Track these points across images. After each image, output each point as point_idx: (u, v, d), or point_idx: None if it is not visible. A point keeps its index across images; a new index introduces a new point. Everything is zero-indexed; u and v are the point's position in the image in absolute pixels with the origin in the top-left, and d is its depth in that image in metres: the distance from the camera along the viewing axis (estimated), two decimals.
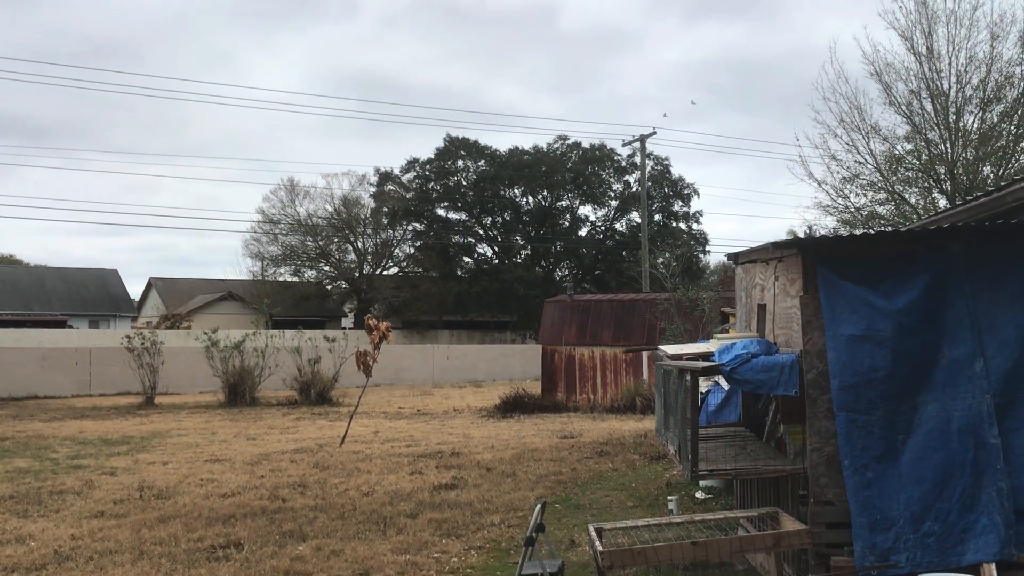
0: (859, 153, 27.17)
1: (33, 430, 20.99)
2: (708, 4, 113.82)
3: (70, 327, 55.16)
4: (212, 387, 29.93)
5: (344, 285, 62.06)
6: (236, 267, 78.53)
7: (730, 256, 10.55)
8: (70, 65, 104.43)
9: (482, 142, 60.97)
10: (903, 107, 26.45)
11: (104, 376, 32.61)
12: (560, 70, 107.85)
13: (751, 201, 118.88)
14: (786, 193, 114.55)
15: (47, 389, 31.62)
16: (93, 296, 63.48)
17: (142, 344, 28.47)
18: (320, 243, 59.82)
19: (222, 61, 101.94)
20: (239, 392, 27.68)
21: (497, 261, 61.54)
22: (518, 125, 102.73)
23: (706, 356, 8.35)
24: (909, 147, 27.16)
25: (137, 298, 69.98)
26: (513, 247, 61.81)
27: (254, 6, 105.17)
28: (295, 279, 61.48)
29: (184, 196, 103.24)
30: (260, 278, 60.37)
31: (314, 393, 28.01)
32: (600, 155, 60.56)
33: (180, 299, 63.74)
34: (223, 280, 63.90)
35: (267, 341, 28.80)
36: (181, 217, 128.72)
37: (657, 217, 59.39)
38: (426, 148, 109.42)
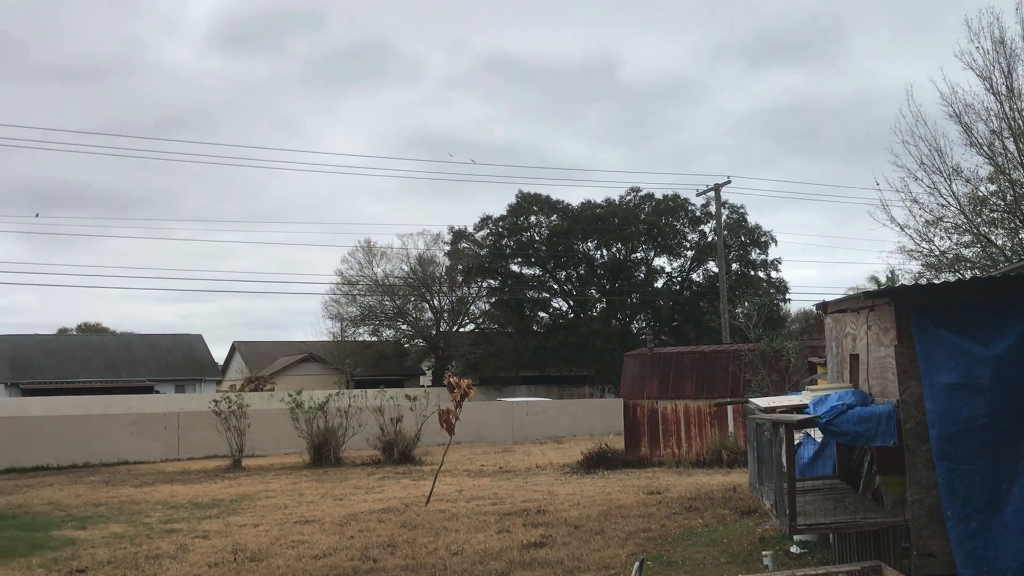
0: (941, 196, 26.70)
1: (126, 495, 21.43)
2: (770, 51, 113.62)
3: (157, 392, 56.51)
4: (296, 448, 30.28)
5: (421, 343, 62.56)
6: (316, 328, 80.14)
7: (819, 306, 10.46)
8: (145, 137, 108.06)
9: (553, 197, 61.44)
10: (984, 148, 25.96)
11: (191, 440, 33.17)
12: (624, 122, 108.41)
13: (828, 247, 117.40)
14: (864, 238, 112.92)
15: (136, 454, 32.25)
16: (179, 361, 64.87)
17: (229, 408, 28.94)
18: (397, 302, 60.51)
19: (290, 128, 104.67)
20: (324, 452, 27.94)
21: (573, 315, 61.56)
22: (586, 179, 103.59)
23: (799, 408, 8.26)
24: (993, 188, 26.61)
25: (221, 362, 71.38)
26: (588, 301, 61.78)
27: (318, 74, 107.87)
28: (373, 339, 62.13)
29: (260, 260, 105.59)
30: (340, 339, 61.16)
31: (397, 452, 28.13)
32: (673, 205, 60.48)
33: (263, 362, 64.86)
34: (304, 342, 64.91)
35: (350, 401, 29.08)
36: (259, 281, 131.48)
37: (735, 266, 58.90)
38: (496, 205, 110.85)
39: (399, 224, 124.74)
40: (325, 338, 62.15)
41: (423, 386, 54.86)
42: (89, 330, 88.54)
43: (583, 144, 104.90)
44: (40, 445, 31.12)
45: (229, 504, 18.98)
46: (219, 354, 72.11)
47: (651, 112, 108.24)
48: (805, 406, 8.29)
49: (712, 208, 52.12)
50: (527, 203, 60.91)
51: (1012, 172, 25.86)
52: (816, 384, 11.86)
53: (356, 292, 60.97)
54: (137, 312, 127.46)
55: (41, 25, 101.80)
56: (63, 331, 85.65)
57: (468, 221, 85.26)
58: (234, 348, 71.30)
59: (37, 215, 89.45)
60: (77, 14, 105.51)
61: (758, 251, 60.76)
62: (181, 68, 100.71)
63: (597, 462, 23.56)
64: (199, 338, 68.90)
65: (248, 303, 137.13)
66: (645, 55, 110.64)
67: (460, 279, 60.63)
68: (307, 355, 62.21)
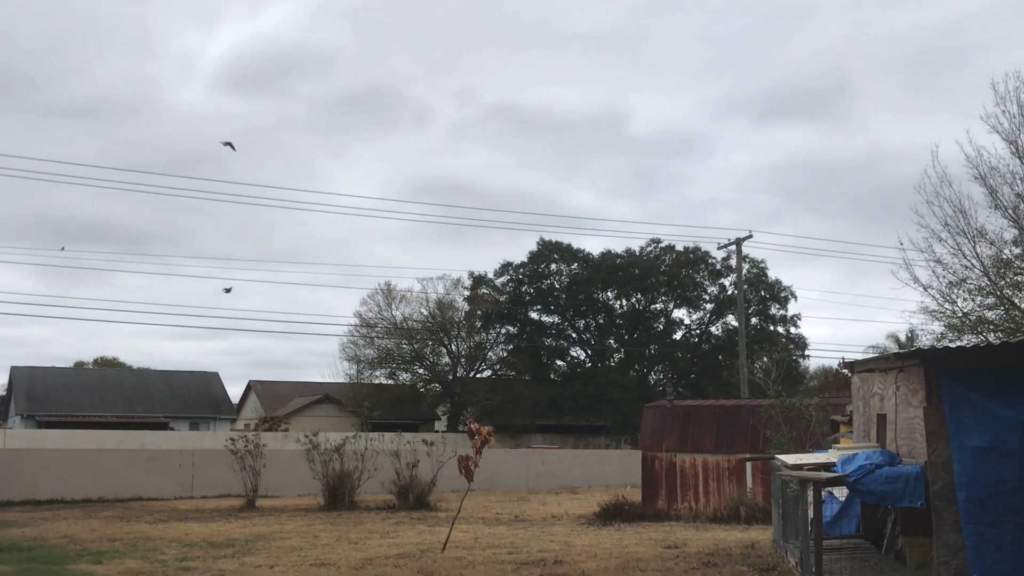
0: (965, 257, 26.64)
1: (140, 531, 21.38)
2: (776, 108, 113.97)
3: (172, 429, 56.57)
4: (311, 490, 30.17)
5: (438, 388, 62.52)
6: (332, 370, 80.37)
7: (845, 364, 10.47)
8: (160, 174, 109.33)
9: (573, 246, 61.64)
10: (1009, 211, 25.96)
11: (206, 478, 33.17)
12: (634, 175, 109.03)
13: (841, 304, 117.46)
14: (879, 296, 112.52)
15: (151, 490, 32.26)
16: (195, 399, 65.03)
17: (245, 447, 28.93)
18: (415, 346, 60.58)
19: (302, 169, 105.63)
20: (338, 495, 27.83)
21: (590, 364, 61.43)
22: (598, 229, 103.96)
23: (827, 467, 8.25)
24: (1017, 251, 26.55)
25: (236, 400, 71.47)
26: (606, 350, 61.68)
27: (328, 117, 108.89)
28: (390, 382, 62.16)
29: (275, 300, 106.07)
30: (356, 381, 61.20)
31: (412, 497, 28.01)
32: (694, 258, 60.55)
33: (278, 402, 64.91)
34: (320, 383, 64.98)
35: (366, 444, 29.01)
36: (274, 320, 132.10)
37: (754, 321, 58.78)
38: (510, 252, 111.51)
39: (415, 268, 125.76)
40: (341, 380, 62.26)
41: (438, 431, 54.76)
42: (106, 364, 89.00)
43: (594, 194, 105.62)
44: (55, 478, 31.18)
45: (244, 544, 18.92)
46: (234, 392, 72.29)
47: (660, 165, 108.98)
48: (833, 464, 8.28)
49: (732, 262, 52.16)
50: (548, 250, 61.12)
51: None
52: (839, 443, 11.83)
53: (374, 335, 61.11)
54: (152, 348, 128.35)
55: (55, 65, 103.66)
56: (80, 365, 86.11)
57: (482, 266, 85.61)
58: (250, 387, 71.43)
59: (63, 248, 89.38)
60: (92, 56, 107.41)
61: (777, 306, 60.69)
62: (194, 108, 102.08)
63: (614, 514, 23.39)
64: (215, 376, 69.11)
65: (262, 342, 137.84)
66: (653, 109, 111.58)
67: (479, 325, 60.69)
68: (323, 396, 62.26)
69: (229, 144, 41.07)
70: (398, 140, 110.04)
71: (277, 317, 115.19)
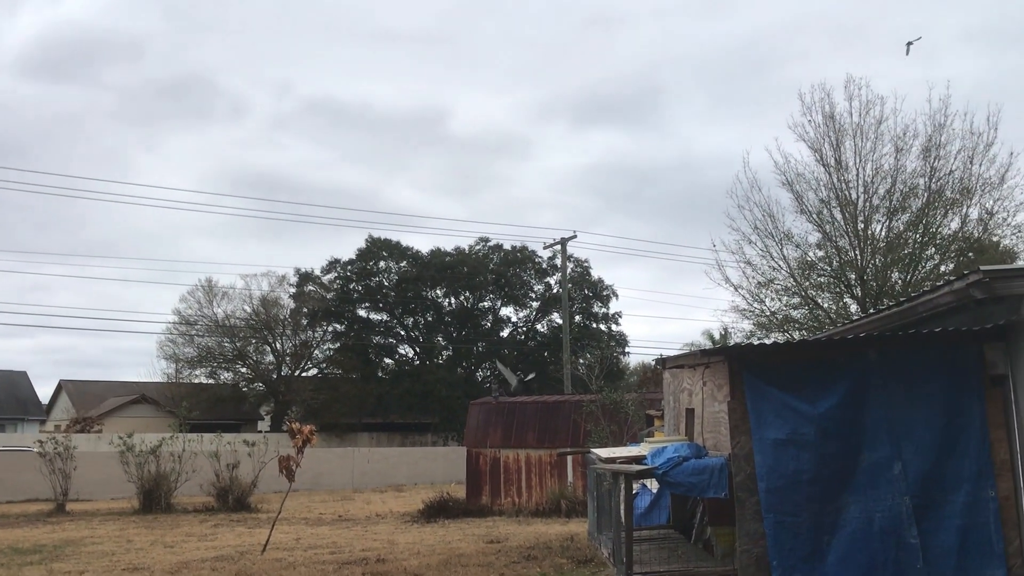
0: (773, 259, 28.08)
1: None
2: (592, 112, 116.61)
3: None
4: (126, 493, 29.08)
5: (261, 387, 61.13)
6: (149, 369, 76.98)
7: (658, 361, 10.87)
8: None
9: (402, 243, 61.51)
10: (814, 215, 27.52)
11: (11, 482, 31.51)
12: (456, 174, 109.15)
13: (658, 303, 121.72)
14: (694, 295, 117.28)
15: None
16: (0, 399, 61.52)
17: (54, 449, 27.64)
18: (237, 344, 59.04)
19: (111, 160, 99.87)
20: (154, 498, 26.94)
21: (419, 362, 61.44)
22: (423, 227, 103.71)
23: (638, 459, 8.55)
24: (821, 254, 28.17)
25: (46, 401, 67.95)
26: (435, 348, 61.81)
27: (138, 108, 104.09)
28: (211, 381, 60.34)
29: (86, 296, 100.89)
30: (175, 380, 59.18)
31: (232, 499, 27.41)
32: (521, 257, 61.45)
33: (92, 402, 62.07)
34: (136, 383, 62.48)
35: (184, 445, 28.18)
36: (85, 318, 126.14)
37: (578, 318, 60.10)
38: (334, 248, 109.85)
39: (237, 264, 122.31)
40: (159, 379, 60.09)
41: (261, 431, 53.58)
42: None
43: (417, 192, 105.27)
44: None
45: (52, 550, 18.07)
46: (44, 392, 68.68)
47: (482, 165, 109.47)
48: (644, 457, 8.59)
49: (558, 261, 53.15)
50: (377, 248, 60.77)
51: (838, 240, 27.46)
52: (653, 436, 12.26)
53: (194, 332, 59.24)
54: None
55: None
56: None
57: (309, 263, 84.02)
58: (60, 387, 68.00)
59: None
60: None
61: (600, 304, 62.36)
62: None
63: (438, 511, 23.49)
64: (23, 375, 65.60)
65: (74, 340, 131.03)
66: (473, 108, 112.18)
67: (305, 322, 59.71)
68: (139, 396, 59.90)
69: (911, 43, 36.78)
70: (213, 132, 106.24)
71: (89, 314, 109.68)
